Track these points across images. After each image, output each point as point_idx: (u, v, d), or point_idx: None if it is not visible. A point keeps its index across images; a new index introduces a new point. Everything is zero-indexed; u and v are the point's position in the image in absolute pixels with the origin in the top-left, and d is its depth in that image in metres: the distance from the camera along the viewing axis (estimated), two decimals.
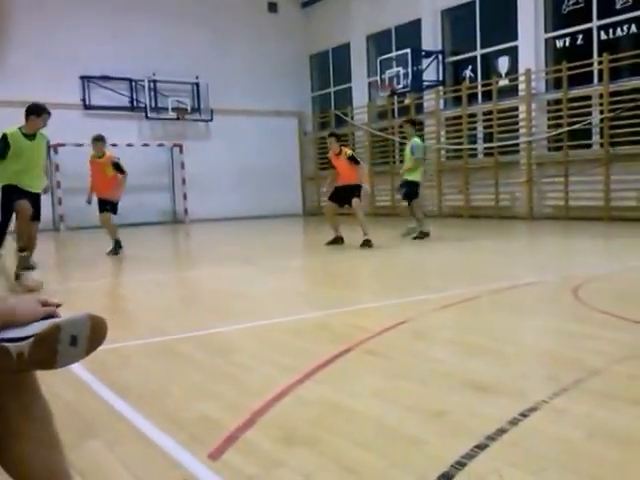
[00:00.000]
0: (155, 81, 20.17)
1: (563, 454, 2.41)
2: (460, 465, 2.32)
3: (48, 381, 3.56)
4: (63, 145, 18.54)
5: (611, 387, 3.19)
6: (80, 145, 18.44)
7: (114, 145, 19.00)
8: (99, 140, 11.21)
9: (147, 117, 20.23)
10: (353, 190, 11.03)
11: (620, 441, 2.52)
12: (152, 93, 20.23)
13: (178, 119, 20.60)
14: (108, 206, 11.12)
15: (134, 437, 2.77)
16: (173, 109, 20.38)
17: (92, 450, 2.65)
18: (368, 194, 12.69)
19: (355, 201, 10.95)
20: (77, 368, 3.80)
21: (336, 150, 11.22)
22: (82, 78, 19.29)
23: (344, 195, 11.11)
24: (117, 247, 10.92)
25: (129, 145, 19.50)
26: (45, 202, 18.89)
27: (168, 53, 20.10)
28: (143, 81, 19.97)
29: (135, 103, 20.18)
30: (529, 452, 2.44)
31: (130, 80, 19.99)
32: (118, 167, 11.01)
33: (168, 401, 3.24)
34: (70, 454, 2.56)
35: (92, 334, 1.44)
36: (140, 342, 4.62)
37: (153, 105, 20.28)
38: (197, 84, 20.84)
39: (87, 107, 19.48)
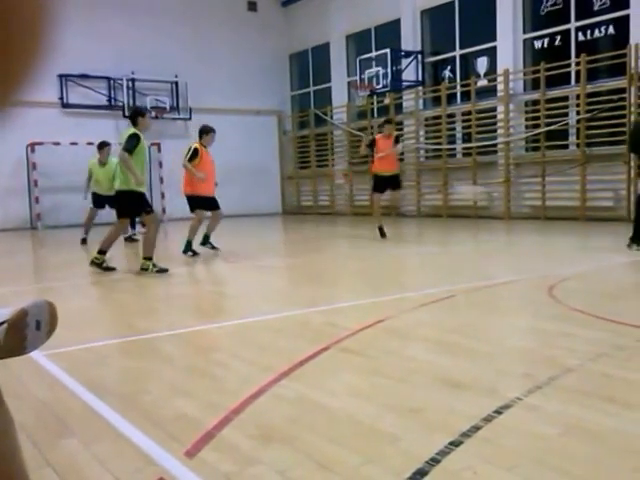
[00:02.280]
0: (134, 80, 20.04)
1: (537, 450, 2.45)
2: (435, 461, 2.34)
3: (25, 381, 3.55)
4: (40, 144, 18.40)
5: (584, 384, 3.23)
6: (57, 144, 18.36)
7: (91, 144, 18.93)
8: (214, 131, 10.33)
9: (125, 116, 20.06)
10: (397, 180, 11.57)
11: (593, 437, 2.56)
12: (131, 92, 20.11)
13: (156, 118, 20.45)
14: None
15: (111, 435, 2.77)
16: (151, 108, 20.26)
17: (68, 448, 2.64)
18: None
19: (398, 192, 11.74)
20: (53, 368, 3.79)
21: (390, 133, 11.61)
22: (60, 76, 19.12)
23: (387, 184, 11.48)
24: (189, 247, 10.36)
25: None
26: (22, 201, 18.67)
27: (147, 52, 19.99)
28: (122, 80, 19.85)
29: (113, 102, 20.05)
30: (503, 449, 2.47)
31: (108, 79, 19.86)
32: None
33: (145, 399, 3.24)
34: (46, 452, 2.57)
35: (51, 318, 1.49)
36: (117, 341, 4.61)
37: (131, 104, 20.14)
38: (176, 83, 20.75)
39: (65, 105, 19.32)
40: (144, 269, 7.97)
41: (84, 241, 12.30)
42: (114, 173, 9.82)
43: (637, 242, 8.55)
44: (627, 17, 13.47)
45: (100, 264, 8.19)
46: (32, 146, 18.38)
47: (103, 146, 12.33)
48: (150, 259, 8.03)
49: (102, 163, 12.22)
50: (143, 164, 8.45)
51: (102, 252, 8.27)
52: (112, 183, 10.01)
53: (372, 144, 11.63)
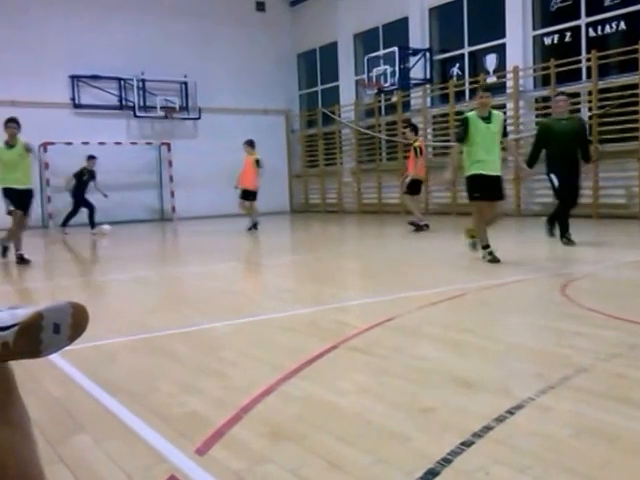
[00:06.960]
0: (144, 80, 20.10)
1: (549, 451, 2.42)
2: (446, 462, 2.32)
3: (37, 378, 3.56)
4: (53, 144, 18.48)
5: (597, 385, 3.20)
6: (70, 144, 18.43)
7: (102, 144, 18.99)
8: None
9: (136, 116, 20.18)
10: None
11: (606, 438, 2.52)
12: (141, 92, 20.18)
13: (166, 118, 20.55)
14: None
15: (122, 432, 2.77)
16: (161, 108, 20.33)
17: (80, 445, 2.64)
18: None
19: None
20: (65, 365, 3.80)
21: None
22: (71, 77, 19.23)
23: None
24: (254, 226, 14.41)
25: (117, 143, 19.46)
26: (35, 200, 18.89)
27: (157, 52, 20.05)
28: (132, 80, 19.92)
29: (124, 102, 20.12)
30: (515, 449, 2.44)
31: (119, 79, 19.94)
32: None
33: (155, 397, 3.24)
34: (58, 449, 2.57)
35: (74, 321, 1.45)
36: (128, 339, 4.60)
37: (142, 104, 20.23)
38: (185, 83, 20.79)
39: (76, 106, 19.43)
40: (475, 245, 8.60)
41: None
42: None
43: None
44: (638, 12, 13.40)
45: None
46: (45, 146, 18.47)
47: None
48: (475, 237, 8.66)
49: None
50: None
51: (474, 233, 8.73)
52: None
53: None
